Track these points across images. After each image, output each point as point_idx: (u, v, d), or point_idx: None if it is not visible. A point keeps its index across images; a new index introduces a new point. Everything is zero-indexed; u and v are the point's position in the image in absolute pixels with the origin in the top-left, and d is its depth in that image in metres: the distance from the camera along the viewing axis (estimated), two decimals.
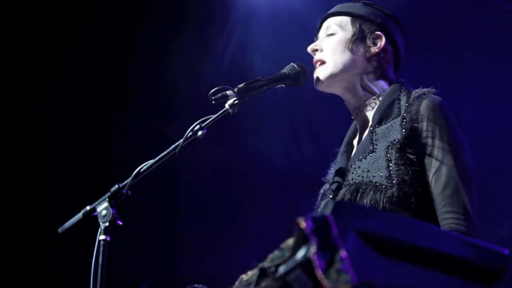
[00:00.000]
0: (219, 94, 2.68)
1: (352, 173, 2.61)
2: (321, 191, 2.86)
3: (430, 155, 2.50)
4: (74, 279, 3.98)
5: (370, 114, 2.77)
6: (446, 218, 2.43)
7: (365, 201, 2.48)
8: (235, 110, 2.67)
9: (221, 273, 5.75)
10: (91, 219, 2.64)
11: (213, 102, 2.68)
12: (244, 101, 2.69)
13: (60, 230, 2.72)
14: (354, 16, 2.86)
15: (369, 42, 2.81)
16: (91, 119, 5.75)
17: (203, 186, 6.09)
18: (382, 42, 2.82)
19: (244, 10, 5.92)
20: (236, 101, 2.66)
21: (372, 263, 1.46)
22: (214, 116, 2.66)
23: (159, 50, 5.95)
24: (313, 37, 2.99)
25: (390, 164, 2.49)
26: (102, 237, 2.53)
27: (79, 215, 2.67)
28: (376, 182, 2.49)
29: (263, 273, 1.53)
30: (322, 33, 2.92)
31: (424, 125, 2.54)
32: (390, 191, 2.45)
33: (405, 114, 2.58)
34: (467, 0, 5.57)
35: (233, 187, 6.16)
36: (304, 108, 5.93)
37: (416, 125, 2.54)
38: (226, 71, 5.94)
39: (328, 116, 5.56)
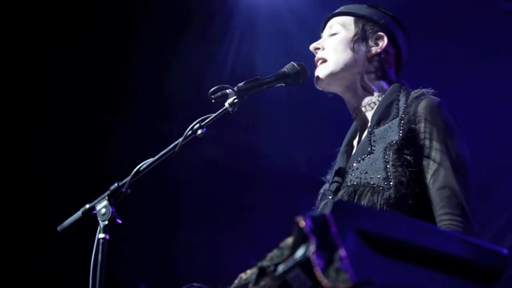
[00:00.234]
0: (219, 93, 2.68)
1: (351, 174, 2.61)
2: (321, 191, 2.86)
3: (428, 157, 2.50)
4: (73, 278, 3.98)
5: (369, 114, 2.77)
6: (444, 219, 2.42)
7: (362, 202, 2.48)
8: (235, 109, 2.66)
9: (220, 272, 5.76)
10: (91, 217, 2.64)
11: (213, 100, 2.68)
12: (244, 100, 2.68)
13: (59, 228, 2.72)
14: (357, 17, 2.86)
15: (371, 42, 2.82)
16: (91, 119, 5.75)
17: (203, 185, 6.09)
18: (384, 42, 2.82)
19: (246, 9, 5.92)
20: (236, 100, 2.66)
21: (371, 262, 1.46)
22: (214, 115, 2.66)
23: (159, 50, 5.95)
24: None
25: (388, 166, 2.48)
26: (101, 235, 2.53)
27: (78, 214, 2.67)
28: (373, 184, 2.49)
29: (262, 272, 1.53)
30: (325, 32, 2.92)
31: (421, 126, 2.53)
32: (387, 192, 2.45)
33: (403, 115, 2.57)
34: (467, 0, 5.57)
35: (232, 186, 6.16)
36: (304, 108, 5.93)
37: (413, 126, 2.53)
38: (227, 70, 5.94)
39: (328, 116, 5.55)
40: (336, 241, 1.39)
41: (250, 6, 5.92)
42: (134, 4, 5.83)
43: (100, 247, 2.52)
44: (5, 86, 5.56)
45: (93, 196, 2.67)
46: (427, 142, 2.51)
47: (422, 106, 2.57)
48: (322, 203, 2.77)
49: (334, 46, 2.82)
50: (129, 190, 2.63)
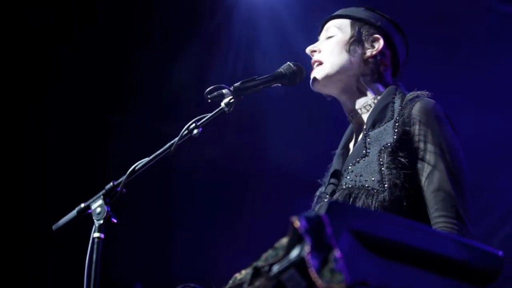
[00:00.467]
0: (215, 93, 2.68)
1: (346, 177, 2.61)
2: (317, 193, 2.86)
3: (423, 159, 2.50)
4: (68, 277, 3.98)
5: (365, 116, 2.76)
6: (439, 221, 2.42)
7: (357, 205, 2.48)
8: (231, 109, 2.67)
9: (215, 272, 5.76)
10: (86, 216, 2.64)
11: (209, 100, 2.68)
12: (240, 100, 2.68)
13: (54, 227, 2.72)
14: (354, 19, 2.86)
15: (367, 45, 2.82)
16: (90, 119, 5.75)
17: (197, 185, 6.09)
18: (379, 45, 2.81)
19: (246, 9, 5.92)
20: (232, 100, 2.66)
21: (366, 263, 1.46)
22: (210, 114, 2.66)
23: (159, 50, 5.94)
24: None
25: (382, 168, 2.48)
26: (96, 234, 2.53)
27: (73, 213, 2.67)
28: (368, 187, 2.49)
29: (257, 272, 1.52)
30: (322, 35, 2.93)
31: (416, 128, 2.53)
32: (382, 195, 2.44)
33: (397, 118, 2.57)
34: (463, 1, 5.59)
35: (227, 186, 6.16)
36: (302, 108, 5.93)
37: (408, 128, 2.53)
38: (228, 70, 5.94)
39: (326, 116, 5.56)
40: (331, 241, 1.39)
41: (250, 6, 5.92)
42: (134, 4, 5.83)
43: (95, 246, 2.52)
44: (5, 86, 5.56)
45: (93, 195, 2.67)
46: (421, 145, 2.51)
47: (416, 108, 2.56)
48: (318, 206, 2.77)
49: (330, 48, 2.82)
50: (124, 190, 2.63)
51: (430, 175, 2.47)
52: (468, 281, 1.61)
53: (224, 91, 2.68)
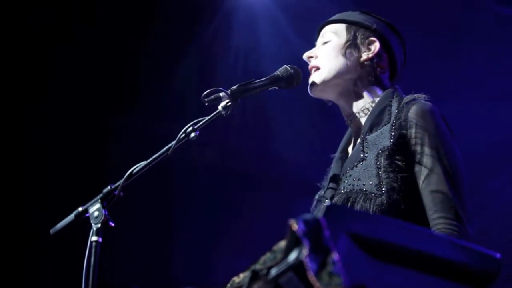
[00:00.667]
0: (212, 96, 2.67)
1: (344, 181, 2.61)
2: (316, 197, 2.86)
3: (420, 162, 2.50)
4: (66, 281, 3.97)
5: (363, 120, 2.76)
6: (438, 223, 2.42)
7: (355, 209, 2.48)
8: (228, 112, 2.66)
9: (213, 275, 5.76)
10: (84, 220, 2.63)
11: (206, 104, 2.68)
12: (238, 103, 2.68)
13: (52, 231, 2.71)
14: (349, 23, 2.86)
15: (363, 48, 2.81)
16: (90, 120, 5.75)
17: (195, 187, 6.09)
18: (375, 47, 2.81)
19: (245, 10, 5.93)
20: (229, 103, 2.66)
21: (364, 265, 1.46)
22: (207, 118, 2.66)
23: (159, 51, 5.94)
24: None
25: (380, 172, 2.48)
26: (94, 238, 2.53)
27: (71, 216, 2.67)
28: (366, 191, 2.49)
29: (255, 276, 1.52)
30: (319, 41, 2.93)
31: (413, 131, 2.53)
32: (380, 199, 2.44)
33: (394, 121, 2.57)
34: (459, 2, 5.59)
35: (225, 189, 6.16)
36: (300, 111, 5.93)
37: (405, 131, 2.53)
38: (228, 73, 5.95)
39: (324, 120, 5.56)
40: (329, 244, 1.39)
41: (250, 7, 5.92)
42: (135, 4, 5.82)
43: (93, 250, 2.52)
44: (5, 86, 5.56)
45: (92, 196, 2.67)
46: (418, 148, 2.51)
47: (413, 111, 2.56)
48: (317, 209, 2.77)
49: (326, 53, 2.83)
50: (122, 193, 2.62)
51: (428, 177, 2.47)
52: (466, 284, 1.61)
53: (221, 94, 2.68)
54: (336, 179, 2.72)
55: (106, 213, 2.56)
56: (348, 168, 2.62)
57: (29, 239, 5.40)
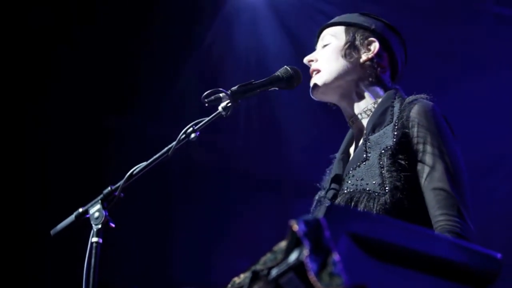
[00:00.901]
0: (212, 97, 2.67)
1: (347, 181, 2.61)
2: (316, 197, 2.86)
3: (422, 161, 2.51)
4: (66, 282, 3.97)
5: (365, 121, 2.76)
6: (440, 220, 2.43)
7: (359, 209, 2.48)
8: (228, 113, 2.66)
9: (213, 275, 5.75)
10: (84, 221, 2.64)
11: (206, 104, 2.68)
12: (238, 103, 2.68)
13: (52, 232, 2.71)
14: (347, 25, 2.87)
15: (362, 48, 2.81)
16: (91, 120, 5.75)
17: (196, 188, 6.08)
18: (375, 47, 2.81)
19: (248, 10, 5.93)
20: (229, 104, 2.66)
21: (365, 266, 1.46)
22: (207, 118, 2.66)
23: (160, 51, 5.93)
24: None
25: (383, 171, 2.49)
26: (94, 239, 2.53)
27: (71, 217, 2.67)
28: (369, 190, 2.50)
29: (255, 276, 1.52)
30: (318, 45, 2.93)
31: (415, 131, 2.54)
32: (383, 198, 2.45)
33: (397, 121, 2.58)
34: (458, 4, 5.60)
35: (226, 190, 6.16)
36: (298, 112, 5.93)
37: (407, 131, 2.54)
38: (229, 73, 5.95)
39: (323, 121, 5.56)
40: (329, 245, 1.39)
41: (251, 8, 5.92)
42: (135, 4, 5.81)
43: (93, 251, 2.52)
44: (5, 86, 5.55)
45: (93, 197, 2.67)
46: (420, 147, 2.52)
47: (415, 110, 2.57)
48: (317, 210, 2.77)
49: (326, 56, 2.83)
50: (122, 194, 2.62)
51: (430, 175, 2.48)
52: (467, 284, 1.61)
53: (221, 95, 2.68)
54: (338, 179, 2.72)
55: (107, 214, 2.57)
56: (351, 169, 2.63)
57: (29, 239, 5.40)
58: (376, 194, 2.47)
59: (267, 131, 6.24)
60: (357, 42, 2.82)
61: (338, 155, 2.87)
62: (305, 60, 2.89)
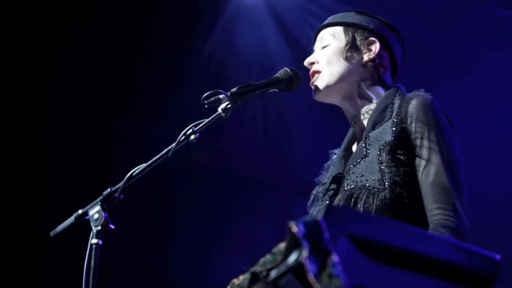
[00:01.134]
0: (212, 98, 2.67)
1: (347, 179, 2.62)
2: (313, 192, 2.86)
3: (419, 155, 2.51)
4: (66, 284, 3.97)
5: (366, 121, 2.77)
6: (435, 214, 2.43)
7: (359, 205, 2.49)
8: (228, 114, 2.66)
9: (212, 277, 5.75)
10: (84, 222, 2.64)
11: (206, 106, 2.68)
12: (237, 105, 2.68)
13: (52, 233, 2.71)
14: (346, 25, 2.86)
15: (363, 49, 2.81)
16: (91, 120, 5.75)
17: (195, 190, 6.08)
18: (376, 47, 2.81)
19: (248, 10, 5.93)
20: (229, 105, 2.66)
21: (364, 267, 1.46)
22: (207, 120, 2.66)
23: (160, 51, 5.93)
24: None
25: (382, 167, 2.50)
26: (94, 241, 2.53)
27: (71, 219, 2.67)
28: (369, 186, 2.50)
29: (254, 278, 1.52)
30: (317, 45, 2.92)
31: (413, 125, 2.54)
32: (383, 193, 2.46)
33: (396, 116, 2.58)
34: (459, 5, 5.60)
35: (225, 191, 6.16)
36: (296, 112, 5.93)
37: (405, 125, 2.55)
38: (224, 75, 5.94)
39: (322, 120, 5.56)
40: (328, 246, 1.39)
41: (253, 9, 5.92)
42: (134, 4, 5.81)
43: (93, 252, 2.52)
44: (5, 86, 5.55)
45: (92, 198, 2.67)
46: (418, 141, 2.53)
47: (413, 105, 2.58)
48: (315, 207, 2.78)
49: (327, 58, 2.82)
50: (122, 196, 2.63)
51: (427, 169, 2.49)
52: (466, 285, 1.61)
53: (221, 96, 2.68)
54: (339, 178, 2.73)
55: (106, 215, 2.57)
56: (351, 165, 2.63)
57: (29, 241, 5.39)
58: (376, 189, 2.48)
59: (267, 132, 6.23)
60: (358, 43, 2.81)
61: (339, 153, 2.87)
62: (306, 62, 2.88)
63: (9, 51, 5.53)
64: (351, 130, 2.91)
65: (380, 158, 2.51)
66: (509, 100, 5.65)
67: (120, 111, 5.90)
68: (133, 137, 5.87)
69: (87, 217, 2.61)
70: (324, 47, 2.86)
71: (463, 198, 2.48)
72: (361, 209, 2.47)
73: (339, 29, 2.86)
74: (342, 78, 2.78)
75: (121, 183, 2.62)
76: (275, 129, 6.22)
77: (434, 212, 2.44)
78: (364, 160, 2.58)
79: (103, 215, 2.56)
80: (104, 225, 2.55)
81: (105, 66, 5.68)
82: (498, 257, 1.67)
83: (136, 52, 5.85)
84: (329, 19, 2.92)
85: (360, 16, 2.87)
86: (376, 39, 2.82)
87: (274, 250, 1.49)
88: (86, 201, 2.66)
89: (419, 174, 2.50)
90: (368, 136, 2.63)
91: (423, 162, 2.50)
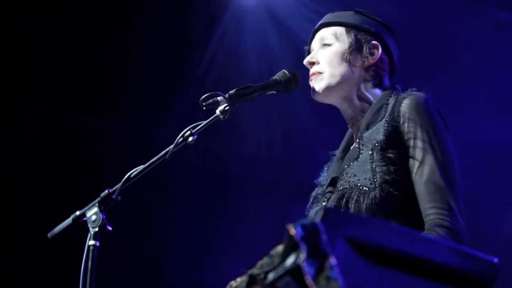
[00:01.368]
0: (210, 100, 2.67)
1: (341, 179, 2.62)
2: (313, 193, 2.86)
3: (413, 154, 2.51)
4: (63, 285, 3.97)
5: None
6: (430, 213, 2.43)
7: (350, 205, 2.49)
8: (226, 116, 2.66)
9: (210, 279, 5.75)
10: (81, 224, 2.64)
11: (204, 108, 2.68)
12: (235, 107, 2.69)
13: (49, 235, 2.72)
14: (348, 26, 2.85)
15: (366, 53, 2.80)
16: (88, 122, 5.75)
17: (192, 191, 6.07)
18: (378, 52, 2.81)
19: (235, 10, 5.92)
20: (227, 108, 2.66)
21: (362, 270, 1.46)
22: (205, 122, 2.66)
23: (157, 53, 5.92)
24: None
25: (373, 166, 2.50)
26: (91, 242, 2.53)
27: (68, 220, 2.67)
28: (360, 186, 2.50)
29: (252, 280, 1.52)
30: (316, 44, 2.89)
31: (406, 125, 2.54)
32: (373, 193, 2.46)
33: (388, 116, 2.58)
34: (458, 9, 5.60)
35: (222, 193, 6.15)
36: (294, 113, 5.93)
37: (397, 124, 2.55)
38: (217, 75, 5.94)
39: (319, 122, 5.56)
40: (326, 249, 1.39)
41: (238, 8, 5.91)
42: (135, 4, 5.78)
43: (90, 254, 2.52)
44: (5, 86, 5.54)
45: (90, 199, 2.67)
46: (411, 140, 2.53)
47: (405, 104, 2.58)
48: (314, 209, 2.78)
49: (329, 59, 2.80)
50: (119, 197, 2.63)
51: (421, 168, 2.49)
52: None
53: (219, 98, 2.67)
54: (335, 179, 2.73)
55: (104, 217, 2.57)
56: (346, 166, 2.64)
57: (26, 242, 5.39)
58: (367, 189, 2.48)
59: (264, 134, 6.23)
60: (361, 46, 2.81)
61: (337, 154, 2.88)
62: (306, 62, 2.87)
63: None
64: (349, 131, 2.92)
65: (372, 158, 2.52)
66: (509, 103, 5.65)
67: (119, 113, 5.89)
68: (131, 140, 5.86)
69: (84, 219, 2.61)
70: (325, 46, 2.84)
71: (457, 197, 2.48)
72: (352, 209, 2.47)
73: (341, 30, 2.84)
74: (343, 80, 2.78)
75: (119, 185, 2.63)
76: (272, 131, 6.22)
77: (429, 211, 2.44)
78: (357, 160, 2.58)
79: (101, 216, 2.56)
80: (102, 227, 2.55)
81: (101, 66, 5.68)
82: (495, 260, 1.67)
83: (135, 52, 5.84)
84: (329, 18, 2.90)
85: (360, 16, 2.86)
86: (378, 42, 2.82)
87: (272, 252, 1.49)
88: (84, 204, 2.66)
89: (413, 174, 2.50)
90: (362, 136, 2.64)
91: (416, 162, 2.50)
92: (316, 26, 2.93)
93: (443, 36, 5.65)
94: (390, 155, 2.50)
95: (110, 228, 2.57)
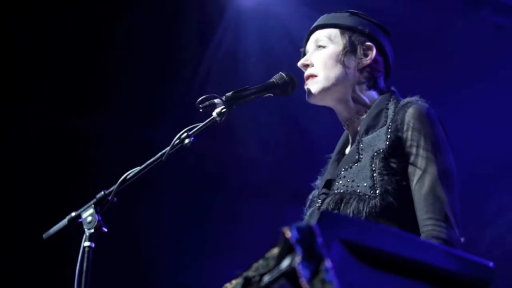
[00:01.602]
0: (207, 102, 2.67)
1: (338, 182, 2.62)
2: (310, 197, 2.86)
3: (414, 164, 2.51)
4: (59, 286, 3.96)
5: (360, 125, 2.77)
6: (427, 225, 2.43)
7: (348, 210, 2.49)
8: (223, 119, 2.66)
9: (205, 281, 5.74)
10: (77, 225, 2.63)
11: (201, 110, 2.68)
12: (232, 109, 2.69)
13: (45, 236, 2.71)
14: (342, 28, 2.85)
15: (360, 54, 2.80)
16: (85, 124, 5.74)
17: (188, 194, 6.07)
18: (373, 53, 2.81)
19: (233, 10, 5.92)
20: (224, 110, 2.66)
21: (357, 273, 1.46)
22: (202, 124, 2.66)
23: (160, 54, 5.91)
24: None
25: (374, 174, 2.49)
26: (86, 243, 2.53)
27: (64, 221, 2.66)
28: (359, 192, 2.50)
29: (247, 282, 1.52)
30: (310, 46, 2.89)
31: (408, 134, 2.54)
32: (373, 201, 2.46)
33: (390, 123, 2.58)
34: (456, 13, 5.61)
35: (218, 196, 6.15)
36: (291, 116, 5.93)
37: (400, 134, 2.55)
38: (212, 75, 5.94)
39: (316, 124, 5.56)
40: (321, 251, 1.39)
41: (236, 8, 5.91)
42: (135, 5, 5.77)
43: (86, 255, 2.52)
44: (5, 87, 5.53)
45: (86, 200, 2.66)
46: (413, 150, 2.52)
47: (409, 113, 2.58)
48: (309, 211, 2.78)
49: (323, 61, 2.80)
50: (115, 199, 2.62)
51: (420, 179, 2.49)
52: None
53: (216, 100, 2.67)
54: (330, 181, 2.72)
55: (99, 218, 2.56)
56: (343, 169, 2.63)
57: (21, 243, 5.38)
58: (367, 196, 2.47)
59: (260, 137, 6.23)
60: (355, 48, 2.81)
61: (333, 156, 2.87)
62: (300, 64, 2.87)
63: None
64: (345, 133, 2.92)
65: (372, 165, 2.51)
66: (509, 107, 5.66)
67: (116, 115, 5.88)
68: (128, 142, 5.86)
69: (80, 220, 2.60)
70: (320, 48, 2.84)
71: (455, 209, 2.48)
72: (351, 214, 2.47)
73: (335, 32, 2.84)
74: (337, 82, 2.77)
75: (115, 186, 2.62)
76: (269, 134, 6.22)
77: (426, 222, 2.44)
78: (356, 165, 2.58)
79: (96, 218, 2.56)
80: (97, 228, 2.55)
81: (98, 68, 5.67)
82: (491, 264, 1.67)
83: (133, 53, 5.83)
84: (323, 20, 2.90)
85: (355, 18, 2.86)
86: (372, 44, 2.82)
87: (267, 255, 1.49)
88: (79, 205, 2.66)
89: (413, 183, 2.50)
90: (361, 140, 2.63)
91: (417, 172, 2.50)
92: (311, 28, 2.92)
93: (441, 39, 5.66)
94: (392, 164, 2.50)
95: (106, 230, 2.57)
